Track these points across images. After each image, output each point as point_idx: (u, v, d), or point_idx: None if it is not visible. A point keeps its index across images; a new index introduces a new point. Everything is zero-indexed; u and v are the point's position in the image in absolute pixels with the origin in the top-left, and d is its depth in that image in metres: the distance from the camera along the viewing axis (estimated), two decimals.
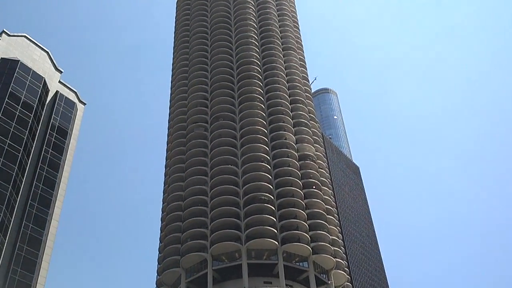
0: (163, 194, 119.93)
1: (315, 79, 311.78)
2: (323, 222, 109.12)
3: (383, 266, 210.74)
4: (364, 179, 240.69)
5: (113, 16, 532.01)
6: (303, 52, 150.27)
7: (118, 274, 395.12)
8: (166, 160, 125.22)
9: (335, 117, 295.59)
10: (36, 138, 79.86)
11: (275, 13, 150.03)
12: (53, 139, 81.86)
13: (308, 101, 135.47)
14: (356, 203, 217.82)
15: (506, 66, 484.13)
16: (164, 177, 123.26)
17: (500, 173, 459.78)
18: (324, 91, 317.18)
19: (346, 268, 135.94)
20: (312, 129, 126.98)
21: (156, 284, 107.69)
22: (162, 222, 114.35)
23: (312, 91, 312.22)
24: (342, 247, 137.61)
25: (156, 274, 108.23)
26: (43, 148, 79.68)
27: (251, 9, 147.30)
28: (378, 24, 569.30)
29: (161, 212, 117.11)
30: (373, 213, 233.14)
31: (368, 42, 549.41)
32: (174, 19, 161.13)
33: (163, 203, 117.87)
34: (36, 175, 76.56)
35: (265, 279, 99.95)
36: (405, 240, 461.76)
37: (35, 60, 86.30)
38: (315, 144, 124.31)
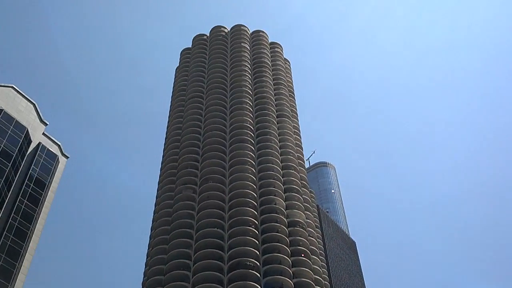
0: (146, 258, 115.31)
1: (314, 152, 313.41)
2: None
3: None
4: (361, 255, 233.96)
5: (111, 79, 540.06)
6: (297, 120, 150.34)
7: None
8: (152, 223, 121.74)
9: (332, 191, 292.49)
10: (12, 189, 77.47)
11: (270, 81, 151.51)
12: (29, 190, 79.38)
13: (301, 168, 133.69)
14: (351, 280, 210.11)
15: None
16: (148, 239, 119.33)
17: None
18: (322, 164, 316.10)
19: None
20: (303, 195, 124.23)
21: None
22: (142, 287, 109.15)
23: (310, 164, 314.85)
24: None
25: None
26: (18, 199, 77.05)
27: (247, 76, 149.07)
28: (379, 96, 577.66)
29: (142, 276, 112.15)
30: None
31: (368, 113, 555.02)
32: (172, 87, 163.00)
33: (145, 267, 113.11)
34: (8, 225, 73.45)
35: None
36: None
37: (21, 111, 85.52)
38: (306, 211, 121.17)
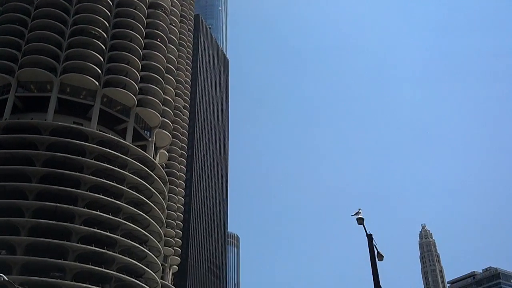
0: None
1: None
2: (158, 77, 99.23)
3: (228, 165, 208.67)
4: (231, 75, 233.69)
5: None
6: None
7: None
8: None
9: (220, 8, 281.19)
10: None
11: None
12: None
13: None
14: (217, 95, 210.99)
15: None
16: None
17: None
18: None
19: (184, 141, 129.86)
20: None
21: None
22: None
23: None
24: (185, 119, 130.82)
25: None
26: None
27: None
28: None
29: None
30: (231, 110, 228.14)
31: None
32: None
33: None
34: None
35: (76, 119, 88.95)
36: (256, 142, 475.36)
37: None
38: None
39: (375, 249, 25.25)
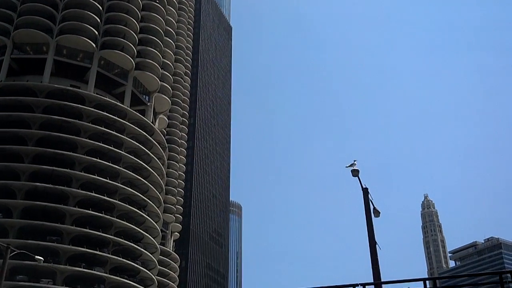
0: None
1: None
2: (156, 40, 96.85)
3: (230, 134, 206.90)
4: (234, 41, 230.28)
5: None
6: None
7: None
8: None
9: None
10: None
11: None
12: None
13: None
14: (219, 63, 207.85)
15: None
16: None
17: None
18: None
19: (185, 108, 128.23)
20: None
21: None
22: None
23: None
24: (187, 86, 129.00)
25: None
26: None
27: None
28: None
29: None
30: (234, 79, 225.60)
31: None
32: None
33: None
34: None
35: (73, 82, 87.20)
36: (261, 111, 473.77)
37: None
38: None
39: (371, 204, 23.76)
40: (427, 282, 16.14)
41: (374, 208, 24.02)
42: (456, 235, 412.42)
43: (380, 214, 24.56)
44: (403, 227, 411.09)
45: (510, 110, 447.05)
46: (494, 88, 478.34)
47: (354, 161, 23.35)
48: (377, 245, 22.70)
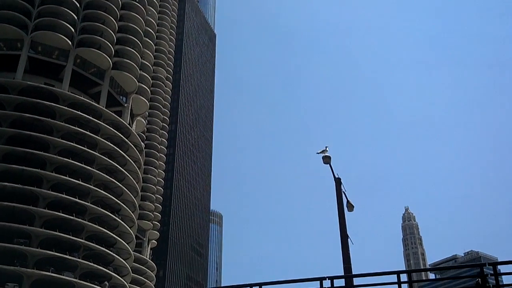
0: None
1: None
2: (135, 39, 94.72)
3: (212, 142, 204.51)
4: (218, 49, 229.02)
5: None
6: None
7: None
8: None
9: None
10: None
11: None
12: None
13: None
14: (202, 72, 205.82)
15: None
16: None
17: None
18: None
19: (166, 113, 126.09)
20: None
21: None
22: None
23: None
24: (168, 91, 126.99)
25: None
26: None
27: None
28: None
29: None
30: (217, 87, 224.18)
31: None
32: None
33: None
34: None
35: (47, 80, 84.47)
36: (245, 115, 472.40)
37: None
38: None
39: (343, 196, 21.86)
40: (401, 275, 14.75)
41: (348, 201, 22.15)
42: (437, 248, 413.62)
43: (353, 209, 22.79)
44: (384, 239, 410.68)
45: (491, 125, 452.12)
46: (476, 103, 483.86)
47: (326, 147, 21.45)
48: (349, 239, 20.87)
